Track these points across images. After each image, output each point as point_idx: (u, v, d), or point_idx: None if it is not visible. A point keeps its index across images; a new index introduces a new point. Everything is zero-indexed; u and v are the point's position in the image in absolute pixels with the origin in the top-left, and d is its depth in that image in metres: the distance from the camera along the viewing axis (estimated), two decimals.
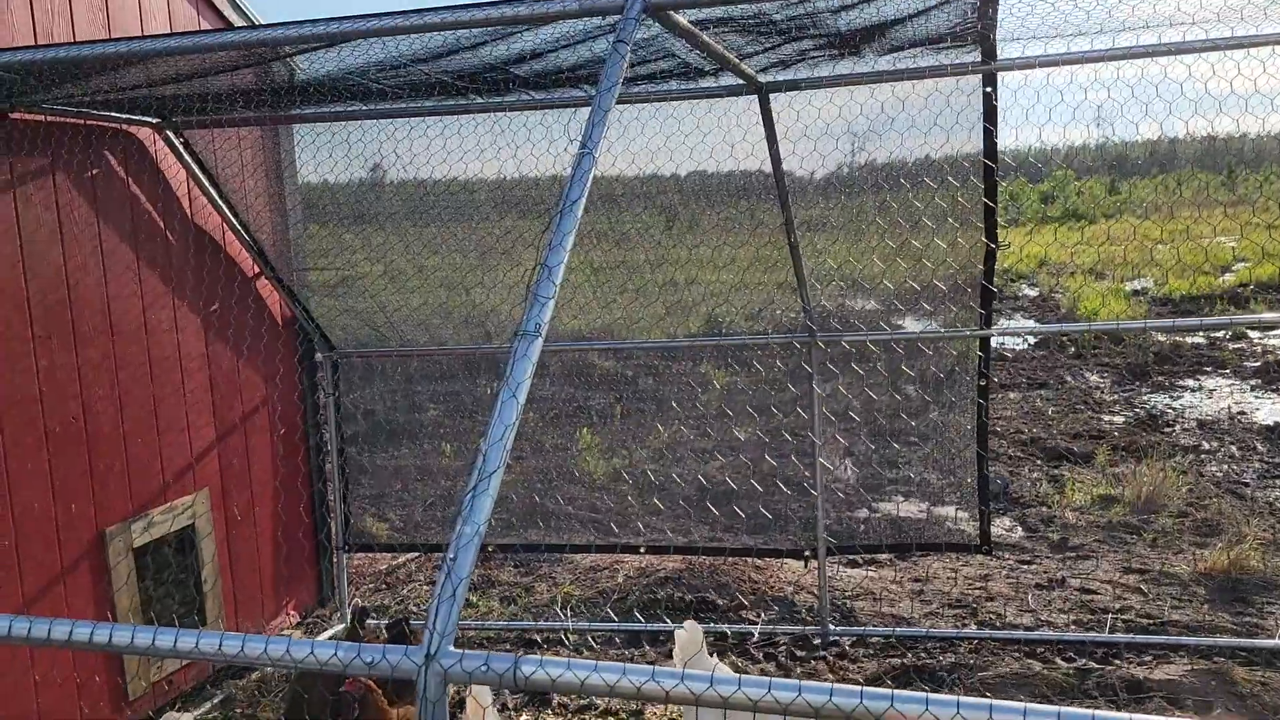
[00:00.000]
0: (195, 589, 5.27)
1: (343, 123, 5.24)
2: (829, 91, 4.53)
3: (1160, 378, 12.00)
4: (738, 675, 1.49)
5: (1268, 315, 13.70)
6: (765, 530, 6.45)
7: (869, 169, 5.17)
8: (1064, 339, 14.37)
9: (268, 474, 5.82)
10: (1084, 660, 5.12)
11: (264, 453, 5.79)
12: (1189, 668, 4.93)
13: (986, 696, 4.81)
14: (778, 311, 7.64)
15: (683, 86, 4.51)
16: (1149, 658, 5.11)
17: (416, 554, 7.07)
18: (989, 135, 4.34)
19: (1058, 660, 5.16)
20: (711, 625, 5.86)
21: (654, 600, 6.26)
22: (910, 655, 5.34)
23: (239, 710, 5.11)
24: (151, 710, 4.91)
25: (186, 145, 5.09)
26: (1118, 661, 5.08)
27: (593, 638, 5.90)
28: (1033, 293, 20.28)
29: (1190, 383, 11.76)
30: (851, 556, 6.80)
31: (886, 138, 4.87)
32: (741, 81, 4.23)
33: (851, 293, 5.97)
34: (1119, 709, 4.63)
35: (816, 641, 5.61)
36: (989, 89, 4.21)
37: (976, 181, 4.70)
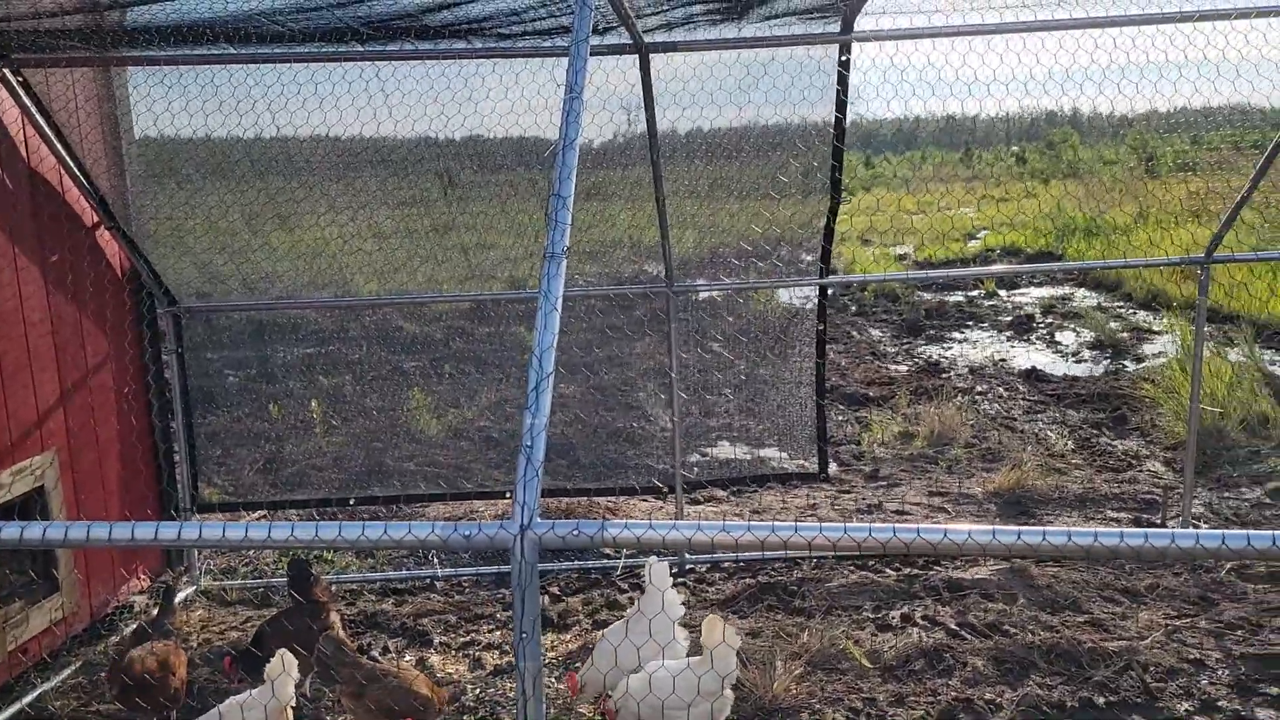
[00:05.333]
0: (45, 553, 4.99)
1: (196, 67, 5.06)
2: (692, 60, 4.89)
3: (932, 331, 13.38)
4: (819, 523, 1.81)
5: (997, 268, 15.73)
6: (606, 477, 6.83)
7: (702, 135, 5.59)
8: (845, 299, 15.69)
9: (114, 434, 5.55)
10: (909, 568, 5.84)
11: (109, 412, 5.52)
12: (995, 568, 5.76)
13: (836, 604, 5.44)
14: (576, 276, 8.01)
15: (563, 44, 4.71)
16: (961, 563, 5.90)
17: (263, 513, 6.91)
18: (841, 100, 4.84)
19: (887, 570, 5.85)
20: (575, 563, 6.18)
21: (561, 542, 6.47)
22: (762, 575, 5.88)
23: (101, 675, 4.91)
24: (10, 679, 4.65)
25: (25, 85, 4.76)
26: (937, 567, 5.84)
27: (462, 582, 6.07)
28: (810, 257, 21.72)
29: (957, 335, 13.19)
30: (692, 495, 7.30)
31: (742, 104, 5.28)
32: (626, 41, 4.49)
33: (651, 254, 6.39)
34: (944, 605, 5.36)
35: (675, 570, 6.04)
36: (845, 57, 4.71)
37: (818, 145, 5.23)
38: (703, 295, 7.09)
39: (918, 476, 7.61)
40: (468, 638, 5.35)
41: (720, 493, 7.46)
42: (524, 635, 1.83)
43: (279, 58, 4.71)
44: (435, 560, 6.28)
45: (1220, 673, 4.56)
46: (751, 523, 1.84)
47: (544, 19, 4.02)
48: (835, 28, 4.49)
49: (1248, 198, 5.20)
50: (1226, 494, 6.84)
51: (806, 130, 5.26)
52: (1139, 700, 4.39)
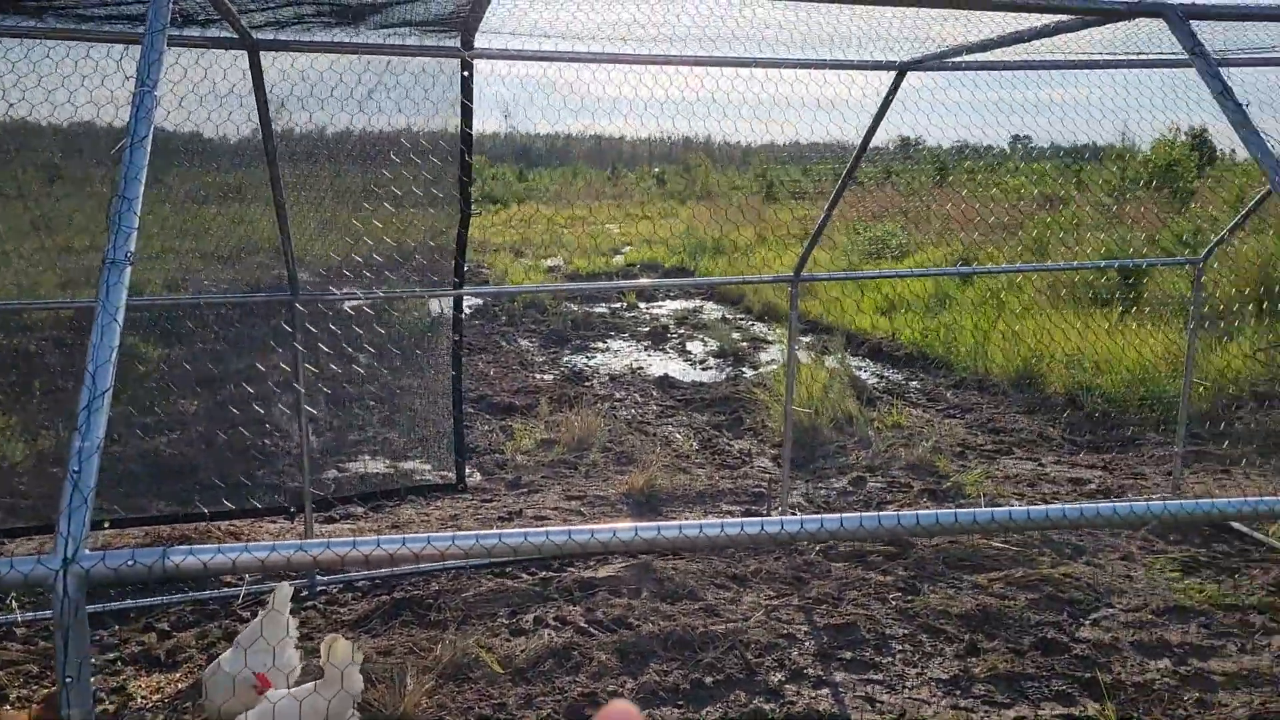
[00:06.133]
0: None
1: None
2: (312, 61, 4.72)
3: (578, 341, 13.90)
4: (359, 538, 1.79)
5: (642, 281, 16.70)
6: (232, 498, 6.39)
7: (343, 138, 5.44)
8: (496, 309, 15.88)
9: None
10: (544, 571, 6.02)
11: None
12: (623, 565, 6.08)
13: (472, 613, 5.47)
14: (204, 281, 7.51)
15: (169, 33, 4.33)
16: (593, 562, 6.17)
17: None
18: (466, 113, 4.90)
19: (523, 574, 5.99)
20: (193, 594, 5.71)
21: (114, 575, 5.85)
22: (397, 592, 5.77)
23: None
24: None
25: None
26: (570, 569, 6.06)
27: (50, 626, 5.37)
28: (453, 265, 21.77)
29: (600, 345, 13.81)
30: (328, 513, 7.02)
31: (365, 110, 5.18)
32: (234, 35, 4.23)
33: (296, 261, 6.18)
34: (575, 605, 5.57)
35: (305, 593, 5.77)
36: (466, 73, 4.76)
37: (452, 156, 5.26)
38: (349, 305, 6.85)
39: (558, 482, 7.86)
40: (54, 689, 4.74)
41: (359, 509, 7.23)
42: (69, 680, 1.66)
43: None
44: (14, 604, 5.51)
45: (808, 644, 5.15)
46: (332, 540, 1.80)
47: (132, 4, 3.67)
48: (455, 42, 4.53)
49: (824, 225, 5.92)
50: (819, 485, 7.74)
51: (442, 139, 5.26)
52: (741, 676, 4.84)
